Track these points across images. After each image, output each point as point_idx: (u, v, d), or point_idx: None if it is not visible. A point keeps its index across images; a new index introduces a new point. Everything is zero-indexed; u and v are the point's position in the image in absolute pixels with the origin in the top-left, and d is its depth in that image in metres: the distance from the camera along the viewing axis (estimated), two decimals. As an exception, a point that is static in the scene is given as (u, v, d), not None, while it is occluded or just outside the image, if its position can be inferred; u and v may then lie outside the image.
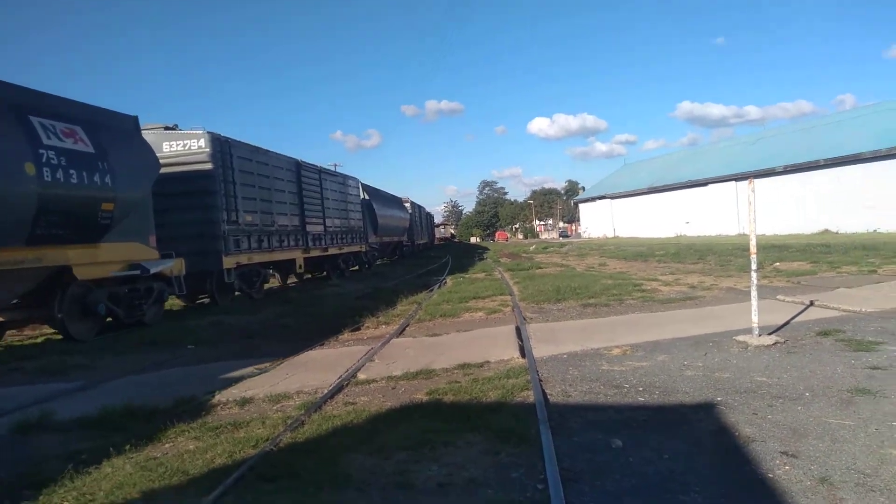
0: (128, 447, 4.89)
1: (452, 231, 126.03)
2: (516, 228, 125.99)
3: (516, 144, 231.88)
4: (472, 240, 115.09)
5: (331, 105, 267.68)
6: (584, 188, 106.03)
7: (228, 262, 15.62)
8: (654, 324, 9.27)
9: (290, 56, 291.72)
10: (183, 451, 4.79)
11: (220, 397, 6.47)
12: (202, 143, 15.34)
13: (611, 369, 6.59)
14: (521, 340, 8.29)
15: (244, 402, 6.27)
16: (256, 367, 7.92)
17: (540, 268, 23.57)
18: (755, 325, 7.58)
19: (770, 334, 7.70)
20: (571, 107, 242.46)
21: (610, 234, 64.77)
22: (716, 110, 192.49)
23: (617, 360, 7.03)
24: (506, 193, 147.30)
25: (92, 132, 11.16)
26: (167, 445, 5.01)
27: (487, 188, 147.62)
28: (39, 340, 11.98)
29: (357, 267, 29.06)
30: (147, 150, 12.99)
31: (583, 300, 12.24)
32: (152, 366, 8.77)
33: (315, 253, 22.17)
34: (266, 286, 20.21)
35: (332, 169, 26.33)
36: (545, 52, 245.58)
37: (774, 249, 22.76)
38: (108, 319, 12.16)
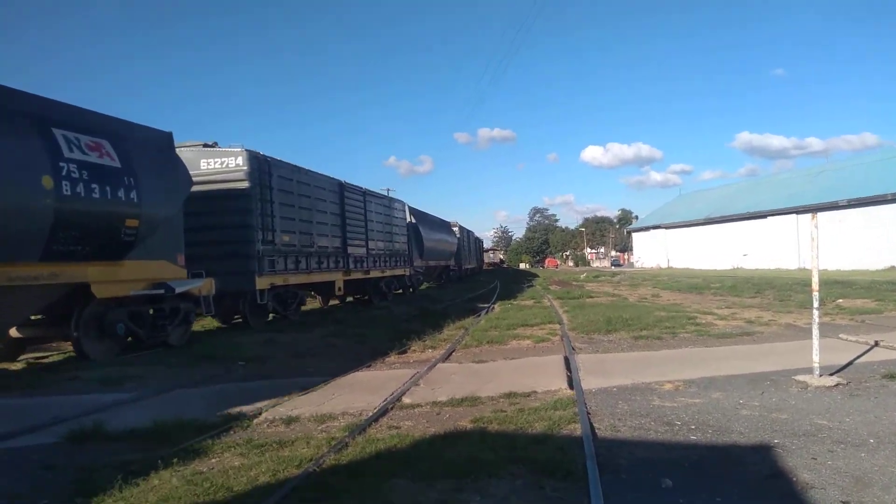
0: (176, 460, 4.96)
1: (501, 256, 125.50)
2: (567, 256, 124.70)
3: (568, 172, 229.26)
4: (521, 266, 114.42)
5: (385, 131, 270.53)
6: (637, 217, 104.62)
7: (262, 282, 14.97)
8: (709, 359, 9.01)
9: (344, 82, 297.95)
10: (228, 467, 4.84)
11: (267, 415, 6.54)
12: (240, 160, 14.88)
13: (662, 405, 6.40)
14: (570, 371, 8.15)
15: (290, 420, 6.32)
16: (304, 387, 7.97)
17: (590, 297, 23.27)
18: (816, 364, 7.27)
19: (832, 375, 7.38)
20: (626, 136, 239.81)
21: (663, 265, 63.47)
22: (776, 141, 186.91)
23: (669, 395, 6.83)
24: (557, 220, 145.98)
25: (120, 146, 10.63)
26: (213, 460, 5.07)
27: (538, 214, 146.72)
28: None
29: (401, 291, 28.37)
30: (179, 167, 12.45)
31: (634, 332, 11.98)
32: (204, 380, 8.95)
33: (356, 275, 21.39)
34: (305, 308, 19.95)
35: (378, 192, 25.25)
36: (599, 80, 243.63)
37: (837, 286, 21.89)
38: (130, 339, 11.79)
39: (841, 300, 17.68)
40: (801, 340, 10.43)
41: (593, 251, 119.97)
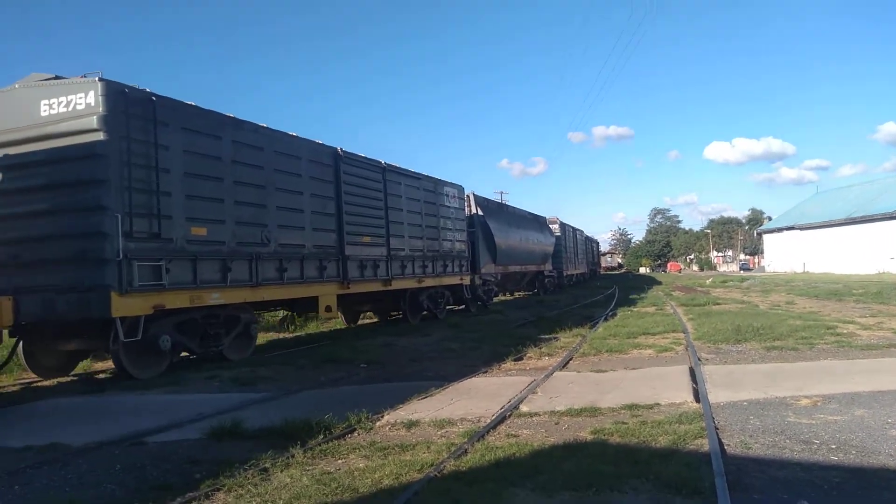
0: (305, 459, 5.26)
1: (620, 260, 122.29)
2: (691, 259, 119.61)
3: (691, 170, 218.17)
4: (641, 270, 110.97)
5: (498, 134, 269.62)
6: (769, 218, 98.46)
7: (130, 305, 9.10)
8: (851, 372, 8.33)
9: (461, 85, 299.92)
10: (354, 468, 5.04)
11: (388, 418, 6.75)
12: (91, 98, 9.11)
13: (798, 422, 6.00)
14: (696, 383, 7.82)
15: (411, 424, 6.49)
16: (422, 391, 8.14)
17: (717, 303, 22.17)
18: (980, 382, 6.55)
19: None
20: (754, 130, 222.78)
21: (798, 269, 59.42)
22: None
23: (805, 411, 6.39)
24: (679, 221, 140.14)
25: None
26: (340, 461, 5.31)
27: (659, 216, 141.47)
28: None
29: (463, 306, 22.06)
30: None
31: (766, 342, 11.29)
32: (329, 382, 9.38)
33: (366, 287, 15.20)
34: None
35: (414, 171, 18.47)
36: (722, 71, 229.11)
37: None
38: None
39: None
40: (962, 354, 9.49)
41: (720, 255, 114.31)
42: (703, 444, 5.27)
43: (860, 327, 13.27)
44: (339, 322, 18.23)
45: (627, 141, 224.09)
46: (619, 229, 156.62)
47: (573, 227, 46.46)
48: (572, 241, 44.89)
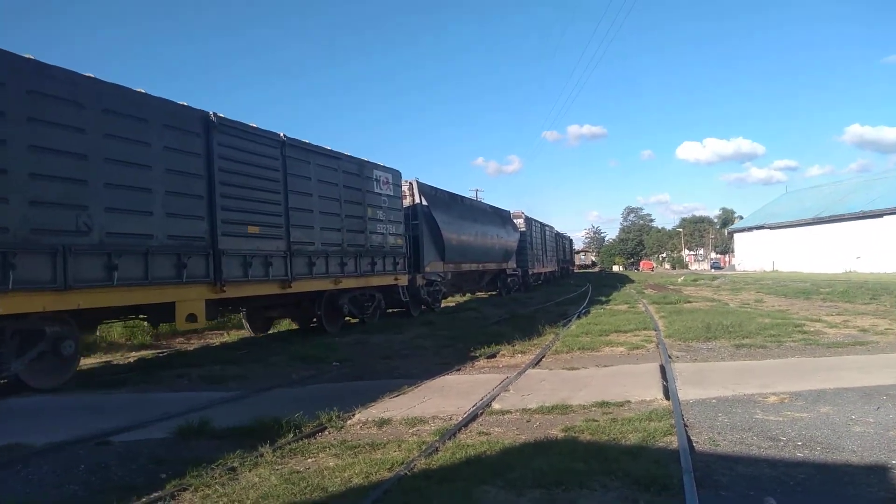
0: (274, 459, 5.19)
1: (594, 258, 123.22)
2: (663, 258, 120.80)
3: (664, 170, 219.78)
4: (615, 268, 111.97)
5: (473, 132, 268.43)
6: (740, 217, 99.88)
7: None
8: (818, 370, 8.49)
9: (436, 83, 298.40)
10: (324, 467, 5.00)
11: (359, 416, 6.70)
12: None
13: (766, 419, 6.09)
14: (666, 380, 7.88)
15: (382, 422, 6.45)
16: (394, 389, 8.10)
17: (688, 302, 22.44)
18: (941, 379, 6.70)
19: (960, 392, 6.77)
20: (725, 131, 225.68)
21: (768, 268, 60.43)
22: (891, 134, 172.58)
23: (773, 408, 6.48)
24: (652, 220, 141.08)
25: None
26: (309, 460, 5.26)
27: (632, 214, 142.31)
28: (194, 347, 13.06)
29: (404, 308, 19.02)
30: None
31: (736, 340, 11.45)
32: (300, 380, 9.30)
33: (251, 290, 12.06)
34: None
35: (331, 149, 15.09)
36: (694, 72, 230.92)
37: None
38: None
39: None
40: (924, 352, 9.70)
41: (691, 253, 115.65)
42: (672, 442, 5.32)
43: (827, 325, 13.52)
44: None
45: (601, 140, 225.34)
46: (593, 228, 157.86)
47: (541, 223, 42.68)
48: (540, 238, 41.11)
